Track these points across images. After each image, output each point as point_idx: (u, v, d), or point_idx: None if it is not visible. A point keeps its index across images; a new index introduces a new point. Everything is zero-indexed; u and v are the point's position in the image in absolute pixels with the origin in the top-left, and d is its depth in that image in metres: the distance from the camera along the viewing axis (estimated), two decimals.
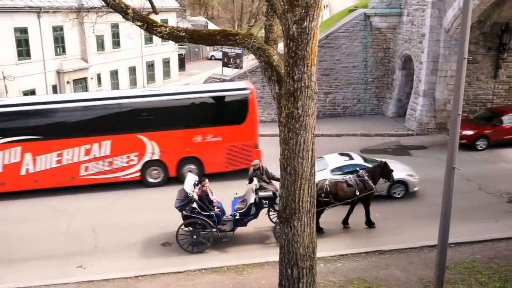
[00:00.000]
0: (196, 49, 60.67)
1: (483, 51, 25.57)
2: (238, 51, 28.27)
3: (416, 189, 17.40)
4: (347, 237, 14.87)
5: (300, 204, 8.60)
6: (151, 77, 42.78)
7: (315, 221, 9.09)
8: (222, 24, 68.44)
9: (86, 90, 34.10)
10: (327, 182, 14.63)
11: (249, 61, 28.15)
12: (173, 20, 42.25)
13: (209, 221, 13.73)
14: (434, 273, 10.66)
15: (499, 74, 25.92)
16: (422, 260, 13.14)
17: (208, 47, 60.35)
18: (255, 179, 14.75)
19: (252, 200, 14.06)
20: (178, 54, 48.34)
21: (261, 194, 14.22)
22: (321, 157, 17.66)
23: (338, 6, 79.04)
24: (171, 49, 43.32)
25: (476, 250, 13.60)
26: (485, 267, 12.54)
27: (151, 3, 10.58)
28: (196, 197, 13.93)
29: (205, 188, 14.15)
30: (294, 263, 8.93)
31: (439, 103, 25.20)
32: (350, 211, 15.16)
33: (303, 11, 7.70)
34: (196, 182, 14.63)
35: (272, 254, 12.65)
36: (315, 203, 8.98)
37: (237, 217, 14.11)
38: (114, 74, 37.59)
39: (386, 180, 15.41)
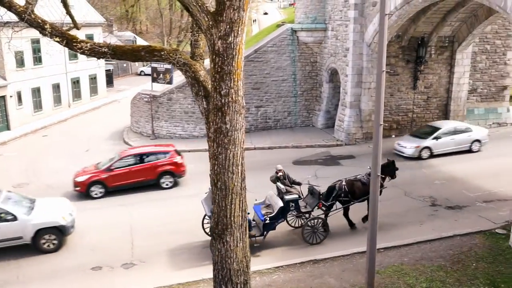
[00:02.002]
0: (125, 65, 59.24)
1: (402, 64, 27.07)
2: (168, 66, 27.93)
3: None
4: (282, 248, 15.02)
5: (232, 219, 8.57)
6: (77, 94, 41.16)
7: (247, 235, 9.08)
8: (151, 39, 67.51)
9: (5, 110, 32.14)
10: (344, 183, 15.51)
11: (179, 76, 27.92)
12: (99, 35, 41.02)
13: None
14: (365, 279, 10.99)
15: (417, 85, 27.53)
16: (354, 267, 13.50)
17: (137, 62, 59.22)
18: (279, 183, 15.44)
19: (281, 204, 14.59)
20: (106, 70, 46.90)
21: (287, 197, 14.85)
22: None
23: (266, 21, 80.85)
24: (97, 65, 41.98)
25: (403, 253, 14.21)
26: (412, 269, 13.12)
27: (72, 18, 10.19)
28: None
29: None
30: (228, 279, 8.86)
31: (364, 114, 26.31)
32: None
33: (228, 26, 7.75)
34: None
35: (208, 271, 12.49)
36: (247, 218, 8.97)
37: (267, 221, 14.43)
38: (36, 91, 35.72)
39: (391, 178, 16.53)
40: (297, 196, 15.16)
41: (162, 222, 17.03)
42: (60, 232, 15.28)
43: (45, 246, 15.14)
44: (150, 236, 16.07)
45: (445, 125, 24.58)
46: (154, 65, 28.68)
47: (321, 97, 29.91)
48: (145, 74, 56.00)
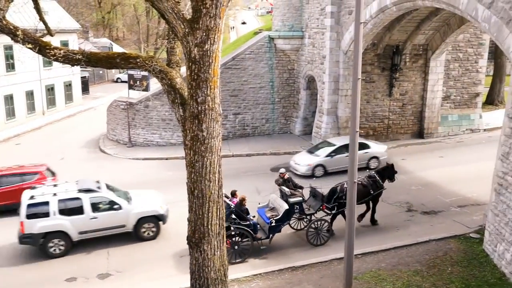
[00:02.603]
0: (101, 72, 58.56)
1: (378, 71, 27.45)
2: (145, 73, 27.75)
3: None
4: (261, 256, 14.98)
5: (209, 227, 8.50)
6: (51, 102, 40.43)
7: (225, 243, 9.02)
8: (128, 46, 66.98)
9: None
10: (345, 185, 15.43)
11: (156, 83, 27.72)
12: (74, 42, 40.48)
13: (249, 230, 14.40)
14: (343, 285, 11.04)
15: (393, 92, 27.94)
16: (332, 273, 13.55)
17: (113, 69, 58.57)
18: (283, 187, 15.91)
19: (286, 206, 14.93)
20: (81, 77, 46.25)
21: (291, 200, 15.23)
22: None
23: (244, 28, 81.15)
24: (72, 72, 41.37)
25: (381, 259, 14.32)
26: (389, 274, 13.23)
27: (45, 24, 10.03)
28: None
29: (244, 202, 14.84)
30: None
31: (341, 121, 26.56)
32: (372, 210, 16.73)
33: (204, 34, 7.74)
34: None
35: (185, 281, 12.35)
36: (224, 225, 8.92)
37: (273, 224, 14.72)
38: (9, 99, 34.97)
39: (390, 180, 17.10)
40: (301, 198, 15.61)
41: None
42: (158, 221, 16.28)
43: (145, 234, 16.21)
44: (126, 246, 15.84)
45: (341, 141, 23.05)
46: (131, 72, 28.42)
47: (298, 104, 30.09)
48: (122, 81, 55.44)
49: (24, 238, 15.05)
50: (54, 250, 15.21)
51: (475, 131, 29.65)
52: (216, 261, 8.69)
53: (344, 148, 21.97)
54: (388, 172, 17.04)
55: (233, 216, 14.36)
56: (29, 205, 14.98)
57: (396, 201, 18.96)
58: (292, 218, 15.75)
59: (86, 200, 15.50)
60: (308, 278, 13.34)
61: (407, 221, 17.27)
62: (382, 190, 16.67)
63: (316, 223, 15.40)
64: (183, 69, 9.27)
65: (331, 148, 22.78)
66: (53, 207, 15.06)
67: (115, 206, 15.80)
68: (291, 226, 16.17)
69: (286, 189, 15.79)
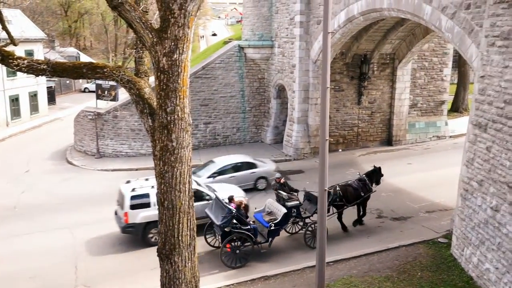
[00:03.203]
0: (68, 81, 57.38)
1: (347, 80, 27.87)
2: (113, 83, 27.32)
3: None
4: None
5: (180, 238, 8.38)
6: (15, 113, 39.34)
7: (196, 254, 8.90)
8: (96, 55, 65.97)
9: None
10: (338, 188, 16.48)
11: (125, 93, 27.32)
12: (39, 51, 39.58)
13: (250, 234, 14.65)
14: None
15: (362, 101, 28.40)
16: (305, 281, 13.55)
17: (81, 79, 57.46)
18: (280, 191, 16.30)
19: (284, 210, 15.28)
20: (47, 87, 45.21)
21: (289, 204, 15.57)
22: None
23: (214, 37, 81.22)
24: (37, 82, 40.39)
25: (352, 266, 14.43)
26: (361, 281, 13.32)
27: (8, 33, 9.74)
28: None
29: (242, 207, 15.34)
30: None
31: (312, 129, 26.78)
32: (358, 211, 17.31)
33: (173, 43, 7.67)
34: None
35: None
36: (195, 236, 8.80)
37: (272, 227, 15.03)
38: None
39: (377, 183, 17.71)
40: (298, 202, 15.98)
41: (106, 243, 16.46)
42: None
43: None
44: (95, 258, 15.47)
45: (225, 161, 21.69)
46: (99, 82, 27.98)
47: (269, 113, 30.21)
48: (90, 91, 54.48)
49: (127, 228, 16.11)
50: (154, 238, 15.90)
51: (441, 138, 30.41)
52: (187, 273, 8.55)
53: (229, 168, 21.16)
54: (376, 175, 17.72)
55: (234, 221, 14.56)
56: (132, 197, 16.07)
57: (367, 207, 19.16)
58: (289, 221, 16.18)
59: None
60: (281, 287, 13.31)
61: (377, 228, 17.49)
62: (371, 194, 17.31)
63: (312, 226, 15.77)
64: (152, 79, 9.16)
65: (214, 169, 21.00)
66: (153, 198, 15.72)
67: (207, 197, 16.94)
68: (285, 230, 16.35)
69: (284, 193, 16.15)
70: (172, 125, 7.91)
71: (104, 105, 28.78)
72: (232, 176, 20.94)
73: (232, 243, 14.52)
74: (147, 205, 16.06)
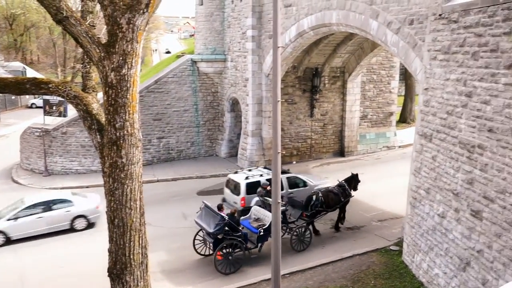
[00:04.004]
0: (13, 97, 55.10)
1: (299, 93, 28.32)
2: (61, 98, 26.49)
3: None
4: (187, 277, 14.66)
5: (132, 257, 8.16)
6: None
7: (148, 273, 8.69)
8: (44, 70, 63.81)
9: None
10: (320, 194, 17.42)
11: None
12: None
13: (242, 240, 15.15)
14: None
15: (314, 113, 28.91)
16: None
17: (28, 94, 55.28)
18: (267, 198, 16.83)
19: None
20: None
21: None
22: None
23: (167, 46, 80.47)
24: None
25: (308, 277, 14.52)
26: None
27: None
28: None
29: (235, 214, 15.64)
30: None
31: (266, 142, 26.97)
32: (339, 216, 18.25)
33: (121, 58, 7.55)
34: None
35: None
36: (147, 254, 8.61)
37: (261, 233, 15.50)
38: None
39: (354, 190, 18.80)
40: (285, 208, 16.39)
41: (57, 265, 15.82)
42: None
43: None
44: (44, 282, 14.80)
45: (31, 200, 18.74)
46: (46, 97, 27.04)
47: (223, 127, 30.19)
48: (37, 107, 52.49)
49: (244, 211, 17.63)
50: None
51: (391, 148, 31.36)
52: None
53: (36, 206, 18.30)
54: (354, 181, 18.85)
55: (226, 228, 14.93)
56: (247, 184, 18.57)
57: (321, 218, 19.40)
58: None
59: (284, 180, 19.05)
60: None
61: (332, 238, 17.74)
62: (350, 198, 18.30)
63: (297, 230, 16.54)
64: (101, 94, 8.96)
65: (18, 209, 18.12)
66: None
67: (305, 184, 19.86)
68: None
69: (270, 199, 16.38)
70: (121, 141, 7.75)
71: (52, 121, 27.81)
72: (41, 217, 18.08)
73: (224, 250, 15.00)
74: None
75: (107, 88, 7.64)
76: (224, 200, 19.39)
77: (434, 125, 12.95)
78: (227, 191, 19.74)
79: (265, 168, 20.77)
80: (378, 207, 20.55)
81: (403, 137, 32.84)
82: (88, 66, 9.03)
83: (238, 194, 18.71)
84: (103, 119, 8.19)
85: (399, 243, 16.20)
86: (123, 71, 7.54)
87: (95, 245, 16.49)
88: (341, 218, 18.34)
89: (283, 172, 18.37)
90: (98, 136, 8.31)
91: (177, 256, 16.24)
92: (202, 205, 16.28)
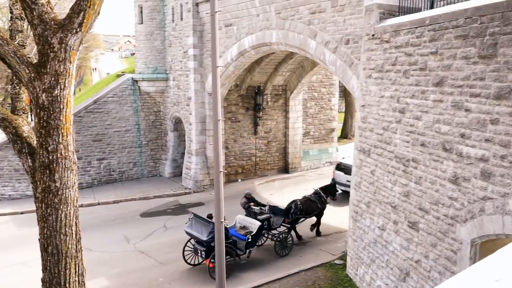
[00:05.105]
0: None
1: (243, 111, 28.51)
2: None
3: None
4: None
5: (67, 286, 7.78)
6: None
7: None
8: None
9: None
10: (298, 202, 18.25)
11: None
12: None
13: (233, 247, 15.71)
14: None
15: (258, 131, 29.16)
16: None
17: None
18: (253, 206, 18.07)
19: (259, 223, 16.73)
20: None
21: (261, 217, 17.21)
22: None
23: (108, 69, 78.71)
24: None
25: None
26: None
27: None
28: None
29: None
30: None
31: (210, 161, 26.79)
32: (318, 222, 19.24)
33: (53, 79, 7.28)
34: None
35: None
36: (85, 282, 8.23)
37: (249, 240, 16.23)
38: None
39: (332, 197, 19.90)
40: (269, 215, 17.49)
41: None
42: None
43: None
44: None
45: None
46: None
47: (167, 146, 29.77)
48: None
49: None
50: None
51: (334, 163, 32.04)
52: None
53: None
54: (331, 189, 19.87)
55: None
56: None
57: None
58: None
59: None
60: None
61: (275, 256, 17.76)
62: (326, 205, 19.23)
63: (281, 236, 17.52)
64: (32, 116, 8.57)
65: None
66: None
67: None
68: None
69: (256, 208, 18.01)
70: (54, 165, 7.42)
71: None
72: None
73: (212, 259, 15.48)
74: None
75: (38, 110, 7.31)
76: (333, 180, 21.16)
77: (371, 140, 13.41)
78: (339, 173, 23.57)
79: None
80: (323, 222, 20.84)
81: (344, 152, 33.71)
82: (18, 87, 8.63)
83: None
84: (34, 142, 7.82)
85: (343, 257, 16.49)
86: (56, 92, 7.26)
87: (28, 275, 15.59)
88: (319, 223, 19.33)
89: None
90: (30, 160, 7.91)
91: (119, 282, 15.67)
92: (191, 216, 16.73)
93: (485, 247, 9.35)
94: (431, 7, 11.79)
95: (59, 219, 7.54)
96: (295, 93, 29.31)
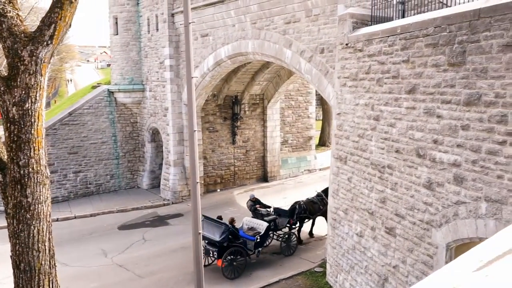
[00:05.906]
0: None
1: (220, 121, 28.49)
2: None
3: None
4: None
5: None
6: None
7: None
8: None
9: None
10: (302, 202, 18.91)
11: None
12: None
13: (244, 247, 16.41)
14: None
15: (236, 140, 29.16)
16: None
17: None
18: (259, 208, 19.00)
19: (266, 224, 17.40)
20: None
21: (267, 218, 17.96)
22: None
23: (83, 81, 77.64)
24: None
25: None
26: None
27: None
28: None
29: (234, 223, 16.84)
30: None
31: (189, 171, 26.60)
32: (312, 224, 19.89)
33: (23, 92, 7.16)
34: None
35: None
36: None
37: (258, 240, 16.85)
38: None
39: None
40: (275, 216, 18.27)
41: None
42: None
43: None
44: None
45: None
46: None
47: (144, 158, 29.49)
48: None
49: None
50: None
51: (312, 171, 32.30)
52: None
53: None
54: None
55: (230, 236, 16.07)
56: None
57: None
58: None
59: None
60: None
61: (258, 264, 17.68)
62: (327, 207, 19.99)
63: (286, 236, 18.29)
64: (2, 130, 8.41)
65: None
66: None
67: None
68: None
69: (263, 210, 18.89)
70: (26, 179, 7.27)
71: None
72: None
73: (228, 257, 16.07)
74: None
75: (8, 124, 7.17)
76: None
77: (348, 148, 13.54)
78: None
79: None
80: (303, 230, 20.89)
81: (323, 160, 33.97)
82: None
83: None
84: (5, 156, 7.65)
85: (323, 264, 16.54)
86: (26, 105, 7.13)
87: None
88: (312, 225, 19.87)
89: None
90: (0, 175, 7.73)
91: None
92: (201, 218, 16.69)
93: (460, 250, 9.51)
94: (403, 16, 12.04)
95: (31, 235, 7.37)
96: (272, 102, 29.45)
